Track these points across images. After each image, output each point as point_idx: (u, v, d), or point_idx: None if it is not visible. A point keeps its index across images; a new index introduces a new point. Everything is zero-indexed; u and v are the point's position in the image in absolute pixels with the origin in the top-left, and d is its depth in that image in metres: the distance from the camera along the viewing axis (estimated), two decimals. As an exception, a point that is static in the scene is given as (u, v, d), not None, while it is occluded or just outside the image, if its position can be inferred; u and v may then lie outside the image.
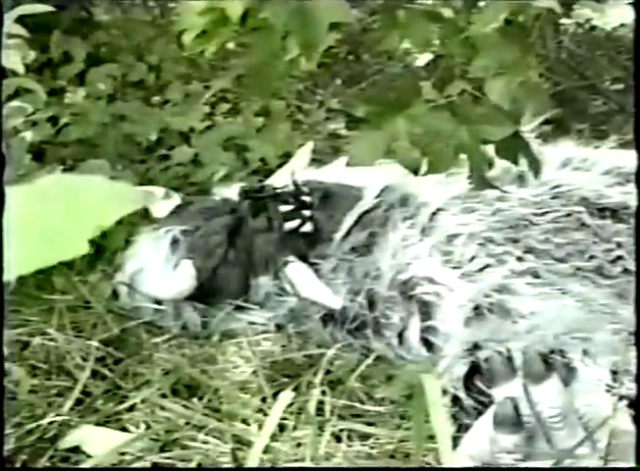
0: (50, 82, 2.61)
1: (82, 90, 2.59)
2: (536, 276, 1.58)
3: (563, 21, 3.19)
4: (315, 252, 1.78)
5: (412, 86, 1.12)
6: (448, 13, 1.13)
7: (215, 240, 1.79)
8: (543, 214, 1.67)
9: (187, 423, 1.44)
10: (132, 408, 1.48)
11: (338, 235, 1.76)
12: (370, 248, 1.73)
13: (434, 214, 1.71)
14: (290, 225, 1.78)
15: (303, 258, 1.77)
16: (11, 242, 0.44)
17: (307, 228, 1.78)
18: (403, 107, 1.08)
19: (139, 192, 0.48)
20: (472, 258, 1.62)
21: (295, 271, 1.75)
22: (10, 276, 0.44)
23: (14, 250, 0.43)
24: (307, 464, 1.30)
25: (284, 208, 1.80)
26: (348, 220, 1.77)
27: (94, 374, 1.58)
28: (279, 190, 1.83)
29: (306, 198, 1.81)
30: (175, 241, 1.80)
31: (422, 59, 2.70)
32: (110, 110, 2.51)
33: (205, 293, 1.77)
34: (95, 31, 2.86)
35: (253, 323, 1.76)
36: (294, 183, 1.83)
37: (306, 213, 1.79)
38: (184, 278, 1.75)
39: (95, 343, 1.63)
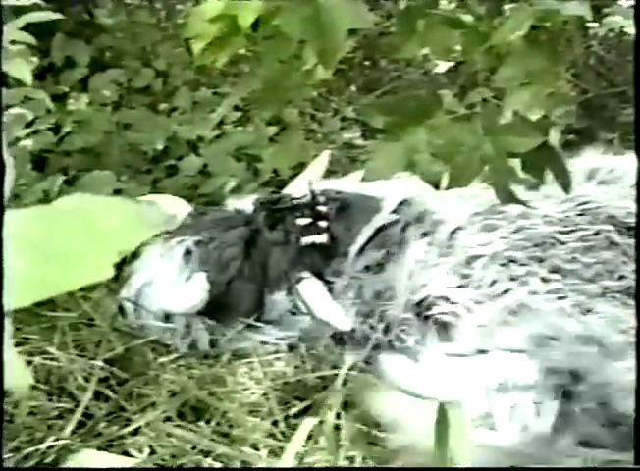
0: (52, 88, 2.62)
1: (86, 97, 2.60)
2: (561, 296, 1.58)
3: (592, 24, 3.19)
4: (330, 268, 1.79)
5: (433, 95, 1.12)
6: (470, 19, 1.13)
7: (230, 253, 1.80)
8: (569, 232, 1.67)
9: (194, 448, 1.44)
10: (136, 432, 1.49)
11: (353, 250, 1.77)
12: (385, 267, 1.74)
13: (453, 233, 1.72)
14: (306, 240, 1.79)
15: (318, 274, 1.78)
16: (28, 266, 0.44)
17: (323, 239, 1.79)
18: (424, 117, 1.08)
19: (162, 215, 0.49)
20: (493, 282, 1.63)
21: (309, 288, 1.75)
22: (27, 301, 0.44)
23: (31, 274, 0.44)
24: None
25: (301, 221, 1.80)
26: (365, 234, 1.77)
27: (97, 395, 1.59)
28: (296, 201, 1.84)
29: (323, 209, 1.82)
30: (188, 253, 1.81)
31: (442, 66, 2.71)
32: (115, 118, 2.52)
33: (217, 308, 1.78)
34: (99, 35, 2.87)
35: (265, 342, 1.76)
36: (312, 193, 1.84)
37: (323, 224, 1.80)
38: (196, 291, 1.76)
39: (99, 363, 1.63)
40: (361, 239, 1.77)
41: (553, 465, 1.34)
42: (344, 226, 1.80)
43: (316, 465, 1.37)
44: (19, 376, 0.47)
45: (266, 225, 1.82)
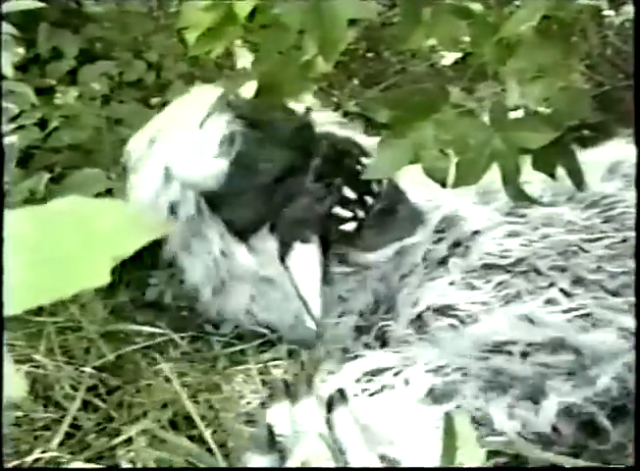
0: (38, 81, 2.62)
1: (74, 90, 2.60)
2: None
3: (608, 12, 3.18)
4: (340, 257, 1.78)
5: (440, 88, 1.13)
6: (478, 8, 1.14)
7: (267, 169, 1.77)
8: (595, 240, 1.67)
9: (188, 461, 1.45)
10: (126, 443, 1.49)
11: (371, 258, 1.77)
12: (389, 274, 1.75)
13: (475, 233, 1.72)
14: (338, 211, 1.76)
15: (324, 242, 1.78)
16: (19, 270, 0.45)
17: (350, 227, 1.76)
18: (431, 111, 1.09)
19: (158, 220, 0.50)
20: (508, 292, 1.64)
21: (303, 257, 1.75)
22: (20, 308, 0.45)
23: (23, 279, 0.45)
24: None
25: (347, 193, 1.76)
26: (391, 251, 1.77)
27: (85, 405, 1.59)
28: (358, 168, 1.79)
29: (370, 200, 1.77)
30: (231, 138, 1.79)
31: (449, 57, 2.71)
32: (105, 112, 2.52)
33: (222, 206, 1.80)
34: (87, 25, 2.87)
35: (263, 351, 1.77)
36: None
37: (360, 214, 1.77)
38: (216, 169, 1.75)
39: (88, 370, 1.64)
40: (385, 253, 1.77)
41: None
42: (377, 232, 1.79)
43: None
44: (13, 384, 0.47)
45: (314, 176, 1.77)
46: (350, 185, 1.76)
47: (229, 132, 1.78)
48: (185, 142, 1.79)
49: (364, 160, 1.78)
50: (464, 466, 0.98)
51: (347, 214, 1.75)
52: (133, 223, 0.49)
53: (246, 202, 1.78)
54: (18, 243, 0.46)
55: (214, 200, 1.79)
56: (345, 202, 1.76)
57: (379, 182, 1.79)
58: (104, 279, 0.49)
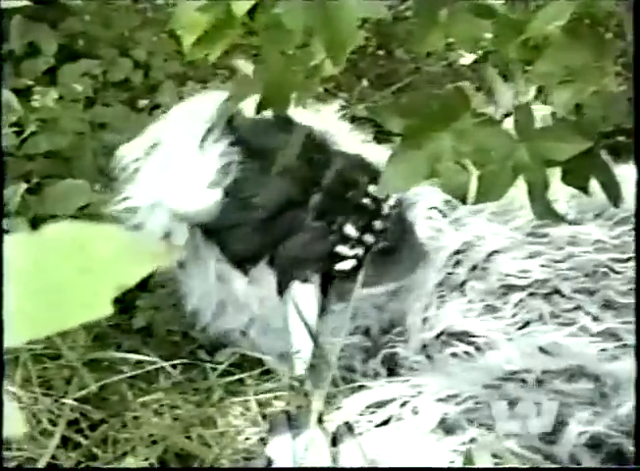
0: (12, 81, 2.63)
1: (53, 91, 2.61)
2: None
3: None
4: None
5: (460, 94, 1.14)
6: (500, 5, 1.14)
7: (261, 205, 1.80)
8: (626, 260, 1.67)
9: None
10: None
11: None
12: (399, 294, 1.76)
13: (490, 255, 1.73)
14: (340, 249, 1.79)
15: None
16: (17, 301, 0.46)
17: (347, 265, 1.78)
18: (450, 120, 1.09)
19: (162, 246, 0.51)
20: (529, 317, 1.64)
21: (301, 295, 1.79)
22: (17, 340, 0.46)
23: (22, 311, 0.45)
24: None
25: (349, 230, 1.79)
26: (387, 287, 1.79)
27: (65, 441, 1.59)
28: (366, 202, 1.82)
29: (370, 239, 1.79)
30: (227, 165, 1.82)
31: (468, 56, 2.72)
32: (87, 116, 2.53)
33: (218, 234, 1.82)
34: (67, 18, 2.87)
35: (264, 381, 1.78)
36: (382, 200, 1.82)
37: (359, 252, 1.79)
38: (210, 200, 1.78)
39: (69, 402, 1.64)
40: (381, 290, 1.78)
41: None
42: (375, 272, 1.80)
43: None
44: (10, 421, 0.48)
45: (315, 214, 1.81)
46: (353, 222, 1.79)
47: (226, 162, 1.81)
48: (176, 170, 1.81)
49: (372, 189, 1.80)
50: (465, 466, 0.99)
51: (349, 252, 1.78)
52: (136, 250, 0.49)
53: (242, 236, 1.82)
54: (11, 272, 0.47)
55: (208, 230, 1.83)
56: (346, 240, 1.79)
57: (385, 217, 1.80)
58: (106, 310, 0.50)
